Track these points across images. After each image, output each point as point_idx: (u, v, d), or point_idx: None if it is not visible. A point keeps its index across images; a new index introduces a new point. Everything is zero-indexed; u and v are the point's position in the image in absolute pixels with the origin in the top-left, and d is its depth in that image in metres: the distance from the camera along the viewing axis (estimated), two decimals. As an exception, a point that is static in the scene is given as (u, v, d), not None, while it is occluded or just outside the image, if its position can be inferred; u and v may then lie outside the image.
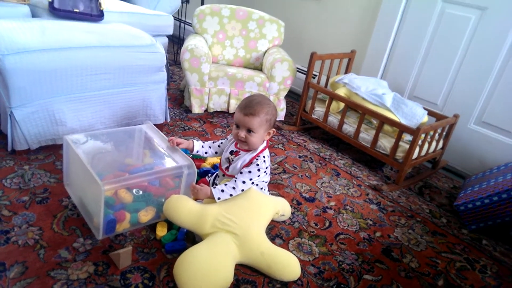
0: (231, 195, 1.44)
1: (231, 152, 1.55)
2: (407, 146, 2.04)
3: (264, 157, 1.50)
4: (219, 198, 1.42)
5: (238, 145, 1.54)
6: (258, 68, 2.83)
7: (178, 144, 1.55)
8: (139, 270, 1.25)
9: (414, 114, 2.16)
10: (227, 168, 1.56)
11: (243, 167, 1.48)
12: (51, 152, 1.81)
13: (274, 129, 1.54)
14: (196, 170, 1.46)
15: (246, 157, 1.50)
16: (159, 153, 1.60)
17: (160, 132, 1.64)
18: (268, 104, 1.48)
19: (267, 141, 1.55)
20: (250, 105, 1.44)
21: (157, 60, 1.90)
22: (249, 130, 1.45)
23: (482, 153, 2.33)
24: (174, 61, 3.71)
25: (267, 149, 1.54)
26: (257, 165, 1.47)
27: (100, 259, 1.26)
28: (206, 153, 1.65)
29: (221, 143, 1.66)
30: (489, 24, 2.19)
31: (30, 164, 1.70)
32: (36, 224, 1.37)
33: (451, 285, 1.44)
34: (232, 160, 1.54)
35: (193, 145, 1.61)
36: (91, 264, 1.24)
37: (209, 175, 1.76)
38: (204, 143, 1.66)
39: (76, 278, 1.18)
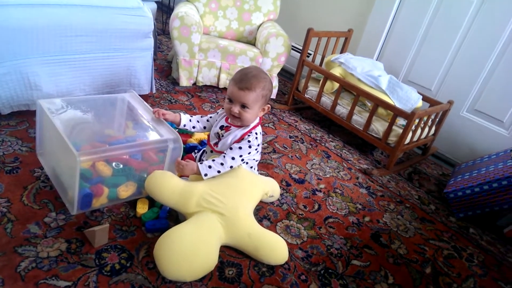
0: (219, 171, 1.36)
1: (221, 127, 1.46)
2: (400, 131, 1.99)
3: (256, 133, 1.42)
4: (205, 175, 1.34)
5: (229, 120, 1.45)
6: (251, 42, 2.71)
7: (163, 116, 1.45)
8: (116, 249, 1.17)
9: (409, 98, 2.10)
10: (216, 143, 1.47)
11: (233, 143, 1.40)
12: (24, 119, 1.68)
13: (269, 105, 1.45)
14: (182, 144, 1.36)
15: (237, 132, 1.41)
16: (142, 125, 1.49)
17: (145, 102, 1.53)
18: (264, 78, 1.38)
19: (260, 117, 1.46)
20: (246, 79, 1.34)
21: (144, 25, 1.76)
22: (244, 106, 1.35)
23: (473, 141, 2.31)
24: (162, 31, 3.54)
25: (259, 126, 1.45)
26: (249, 141, 1.39)
27: (74, 236, 1.17)
28: (193, 127, 1.55)
29: (210, 117, 1.56)
30: (490, 11, 2.12)
31: (0, 130, 1.57)
32: (4, 195, 1.26)
33: (438, 273, 1.42)
34: (222, 136, 1.45)
35: (180, 118, 1.50)
36: (63, 241, 1.15)
37: (196, 151, 1.67)
38: (192, 117, 1.56)
39: (46, 255, 1.09)
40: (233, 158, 1.37)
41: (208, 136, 1.54)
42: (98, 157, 1.23)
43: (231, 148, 1.39)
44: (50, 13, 1.50)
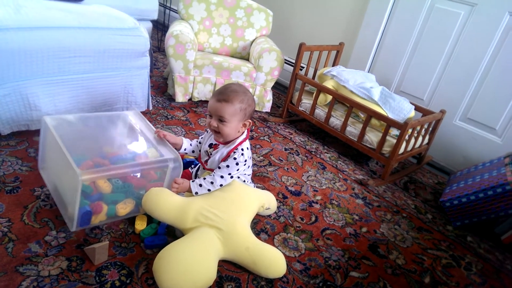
0: (209, 190, 1.38)
1: (210, 145, 1.48)
2: (394, 141, 2.02)
3: (242, 149, 1.42)
4: (196, 193, 1.36)
5: (216, 139, 1.47)
6: (245, 57, 2.75)
7: (164, 137, 1.47)
8: (116, 266, 1.18)
9: (402, 109, 2.13)
10: (206, 161, 1.49)
11: (221, 161, 1.42)
12: (24, 138, 1.70)
13: (250, 121, 1.44)
14: (182, 164, 1.38)
15: (223, 150, 1.43)
16: (143, 143, 1.51)
17: (147, 120, 1.56)
18: (244, 93, 1.39)
19: (247, 133, 1.47)
20: (224, 92, 1.36)
21: (140, 45, 1.80)
22: (221, 120, 1.36)
23: (467, 149, 2.34)
24: (158, 48, 3.59)
25: (247, 141, 1.46)
26: (235, 158, 1.39)
27: (74, 254, 1.18)
28: (193, 151, 1.59)
29: (201, 138, 1.59)
30: (478, 21, 2.18)
31: (0, 150, 1.59)
32: (5, 215, 1.27)
33: (437, 282, 1.43)
34: (211, 154, 1.47)
35: (182, 143, 1.54)
36: (64, 259, 1.16)
37: (192, 166, 1.69)
38: (192, 142, 1.59)
39: (47, 274, 1.09)
40: (221, 177, 1.39)
41: (200, 153, 1.56)
42: (99, 176, 1.25)
43: (219, 167, 1.41)
44: (49, 36, 1.54)
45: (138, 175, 1.38)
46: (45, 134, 1.37)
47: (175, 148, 1.51)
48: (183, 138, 1.56)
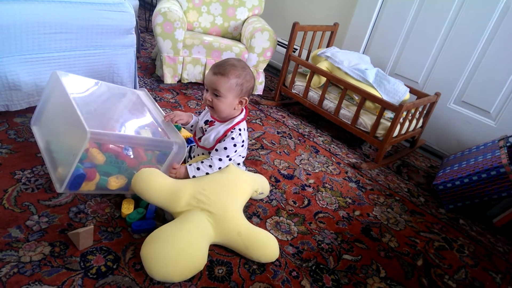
0: (207, 173, 1.33)
1: (206, 122, 1.43)
2: (388, 124, 1.99)
3: (240, 130, 1.36)
4: (194, 176, 1.31)
5: (212, 115, 1.42)
6: (237, 38, 2.67)
7: (173, 122, 1.44)
8: (102, 251, 1.13)
9: (397, 91, 2.09)
10: (200, 138, 1.44)
11: (217, 141, 1.36)
12: (4, 120, 1.62)
13: (246, 98, 1.37)
14: (186, 151, 1.34)
15: (220, 128, 1.37)
16: (152, 123, 1.44)
17: (156, 103, 1.51)
18: (243, 68, 1.32)
19: (245, 112, 1.41)
20: (222, 65, 1.30)
21: (126, 21, 1.71)
22: (216, 94, 1.30)
23: (460, 132, 2.32)
24: (145, 28, 3.48)
25: (244, 122, 1.40)
26: (232, 138, 1.33)
27: (57, 239, 1.13)
28: (192, 126, 1.54)
29: (199, 114, 1.53)
30: (475, 3, 2.13)
31: (-22, 132, 1.52)
32: (-17, 199, 1.21)
33: (430, 264, 1.42)
34: (206, 130, 1.41)
35: (192, 120, 1.51)
36: (46, 244, 1.10)
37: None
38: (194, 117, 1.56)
39: (28, 260, 1.04)
40: (220, 160, 1.33)
41: (195, 130, 1.50)
42: (107, 139, 1.19)
43: (216, 150, 1.35)
44: (26, 10, 1.44)
45: (131, 154, 1.32)
46: (53, 87, 1.31)
47: (184, 125, 1.51)
48: (193, 115, 1.53)
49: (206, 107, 1.48)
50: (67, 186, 1.16)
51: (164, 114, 1.45)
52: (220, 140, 1.35)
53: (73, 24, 1.57)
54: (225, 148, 1.33)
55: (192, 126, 1.52)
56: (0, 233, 1.10)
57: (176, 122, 1.44)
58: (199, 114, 1.55)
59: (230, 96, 1.30)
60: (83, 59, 1.68)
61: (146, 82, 2.38)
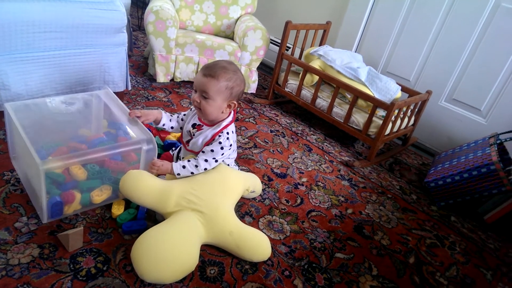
0: (192, 173, 1.32)
1: (194, 125, 1.41)
2: (380, 122, 2.00)
3: (227, 133, 1.34)
4: (178, 174, 1.30)
5: (199, 117, 1.39)
6: (229, 36, 2.66)
7: (139, 117, 1.38)
8: (92, 252, 1.12)
9: (388, 89, 2.10)
10: (187, 142, 1.42)
11: (204, 144, 1.34)
12: (-7, 120, 1.61)
13: (235, 102, 1.35)
14: (156, 145, 1.30)
15: (208, 133, 1.35)
16: (118, 123, 1.43)
17: (119, 100, 1.47)
18: (234, 71, 1.30)
19: (233, 115, 1.39)
20: (212, 67, 1.27)
21: (117, 20, 1.69)
22: (205, 96, 1.28)
23: (452, 130, 2.33)
24: (138, 27, 3.46)
25: (232, 125, 1.38)
26: (220, 143, 1.32)
27: (47, 241, 1.12)
28: (172, 127, 1.49)
29: (184, 115, 1.50)
30: (464, 2, 2.15)
31: (-34, 133, 1.50)
32: (-29, 201, 1.19)
33: (422, 262, 1.43)
34: (193, 135, 1.39)
35: (162, 117, 1.44)
36: (35, 246, 1.09)
37: (173, 148, 1.63)
38: (172, 116, 1.50)
39: (17, 262, 1.03)
40: (206, 160, 1.32)
41: (181, 133, 1.49)
42: (64, 164, 1.15)
43: (203, 151, 1.34)
44: (15, 8, 1.42)
45: (120, 158, 1.30)
46: (9, 122, 1.26)
47: (155, 123, 1.45)
48: (163, 112, 1.46)
49: (192, 109, 1.46)
50: (48, 216, 1.15)
51: (129, 111, 1.40)
52: (208, 144, 1.34)
53: (63, 23, 1.55)
54: (212, 151, 1.32)
55: (164, 124, 1.46)
56: (-11, 235, 1.09)
57: (143, 122, 1.39)
58: (177, 116, 1.52)
59: (219, 99, 1.28)
60: (74, 58, 1.66)
61: (138, 80, 2.36)
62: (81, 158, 1.16)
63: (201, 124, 1.39)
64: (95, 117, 1.53)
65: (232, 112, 1.39)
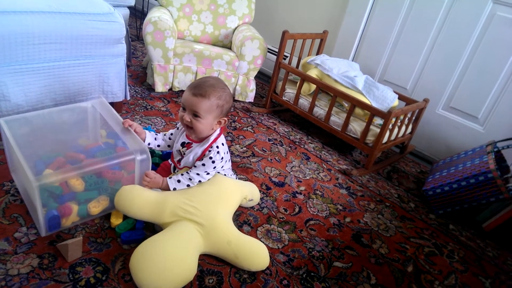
0: (188, 185, 1.33)
1: (183, 144, 1.41)
2: (378, 130, 2.01)
3: (217, 147, 1.35)
4: (174, 189, 1.31)
5: (187, 134, 1.40)
6: (227, 46, 2.69)
7: (131, 127, 1.38)
8: (91, 262, 1.12)
9: (385, 98, 2.12)
10: (179, 161, 1.42)
11: (196, 160, 1.35)
12: (-8, 131, 1.61)
13: (225, 119, 1.36)
14: (150, 155, 1.31)
15: (197, 149, 1.36)
16: (115, 133, 1.43)
17: (113, 109, 1.48)
18: (222, 89, 1.31)
19: (221, 129, 1.40)
20: (202, 86, 1.27)
21: (116, 31, 1.71)
22: (196, 115, 1.28)
23: (449, 138, 2.35)
24: (136, 37, 3.49)
25: (221, 137, 1.39)
26: (210, 157, 1.33)
27: (46, 251, 1.12)
28: (158, 146, 1.50)
29: (171, 134, 1.51)
30: (461, 9, 2.17)
31: (-34, 143, 1.51)
32: (-30, 211, 1.20)
33: (420, 271, 1.43)
34: (184, 153, 1.40)
35: (145, 136, 1.44)
36: (35, 256, 1.10)
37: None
38: (157, 134, 1.51)
39: (16, 273, 1.03)
40: (198, 174, 1.33)
41: (172, 152, 1.48)
42: (59, 179, 1.15)
43: (195, 166, 1.35)
44: (15, 21, 1.44)
45: (118, 168, 1.30)
46: (5, 137, 1.26)
47: None
48: (147, 132, 1.46)
49: (179, 127, 1.46)
50: (47, 229, 1.16)
51: (122, 120, 1.41)
52: (199, 159, 1.35)
53: (63, 35, 1.57)
54: (203, 165, 1.33)
55: (149, 144, 1.46)
56: (-12, 246, 1.09)
57: (135, 130, 1.39)
58: (164, 135, 1.52)
59: (210, 117, 1.29)
60: (73, 69, 1.68)
61: (137, 90, 2.38)
62: (76, 172, 1.16)
63: (190, 141, 1.39)
64: (91, 127, 1.54)
65: (220, 128, 1.39)
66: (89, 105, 1.50)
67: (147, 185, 1.30)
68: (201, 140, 1.37)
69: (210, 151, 1.34)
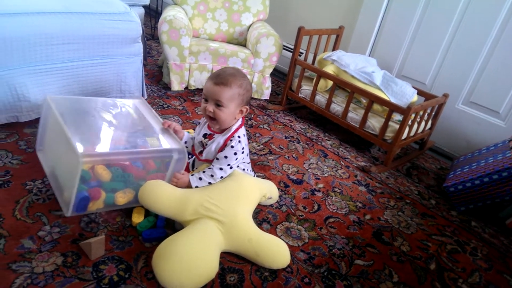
0: (209, 183, 1.33)
1: (205, 135, 1.42)
2: (397, 126, 1.97)
3: (239, 137, 1.36)
4: (196, 187, 1.32)
5: (211, 126, 1.41)
6: (242, 43, 2.68)
7: (171, 127, 1.42)
8: (114, 260, 1.13)
9: (404, 93, 2.08)
10: (200, 152, 1.43)
11: (218, 151, 1.36)
12: (14, 131, 1.64)
13: (247, 107, 1.38)
14: (187, 156, 1.33)
15: (219, 139, 1.37)
16: (150, 132, 1.45)
17: (153, 110, 1.51)
18: (243, 77, 1.33)
19: (242, 119, 1.41)
20: (222, 75, 1.29)
21: (132, 30, 1.72)
22: (218, 104, 1.30)
23: (469, 133, 2.30)
24: (151, 36, 3.51)
25: (242, 128, 1.40)
26: (232, 147, 1.34)
27: (69, 249, 1.13)
28: (185, 142, 1.52)
29: (194, 131, 1.54)
30: (480, 3, 2.12)
31: (-11, 143, 1.53)
32: (-4, 210, 1.21)
33: (443, 268, 1.40)
34: (206, 144, 1.40)
35: (183, 135, 1.47)
36: (59, 255, 1.11)
37: (189, 156, 1.63)
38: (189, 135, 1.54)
39: (41, 271, 1.05)
40: (221, 169, 1.33)
41: (193, 145, 1.50)
42: (101, 160, 1.19)
43: (217, 158, 1.35)
44: (34, 22, 1.46)
45: (140, 165, 1.32)
46: (47, 114, 1.31)
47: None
48: (185, 132, 1.50)
49: (201, 121, 1.48)
50: (73, 209, 1.17)
51: (162, 121, 1.44)
52: (221, 150, 1.36)
53: (80, 35, 1.59)
54: (226, 157, 1.33)
55: (186, 142, 1.49)
56: (13, 244, 1.11)
57: (175, 132, 1.42)
58: (195, 126, 1.54)
59: (232, 105, 1.31)
60: (91, 69, 1.69)
61: (153, 89, 2.39)
62: (117, 156, 1.22)
63: (212, 133, 1.41)
64: (127, 123, 1.55)
65: (241, 117, 1.41)
66: (127, 101, 1.54)
67: (175, 185, 1.31)
68: (223, 131, 1.38)
69: (232, 140, 1.35)
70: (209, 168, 1.35)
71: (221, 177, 1.34)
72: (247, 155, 1.46)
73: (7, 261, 1.05)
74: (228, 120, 1.34)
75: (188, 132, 1.54)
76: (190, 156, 1.63)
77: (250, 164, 1.51)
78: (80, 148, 1.11)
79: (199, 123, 1.50)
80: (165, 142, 1.35)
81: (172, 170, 1.33)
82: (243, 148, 1.37)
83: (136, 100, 1.56)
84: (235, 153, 1.34)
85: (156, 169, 1.36)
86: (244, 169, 1.45)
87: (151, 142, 1.40)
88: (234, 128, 1.37)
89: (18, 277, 1.02)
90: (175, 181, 1.31)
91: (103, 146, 1.35)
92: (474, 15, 2.15)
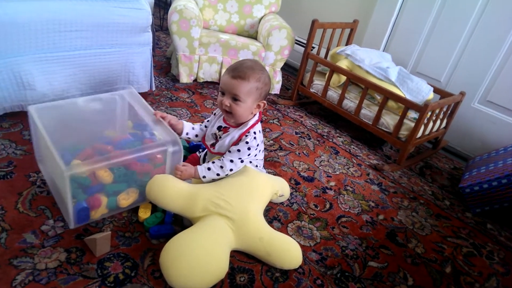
0: (218, 174, 1.28)
1: (219, 128, 1.36)
2: (411, 124, 1.91)
3: (254, 133, 1.30)
4: (204, 177, 1.26)
5: (225, 119, 1.35)
6: (253, 36, 2.62)
7: (165, 119, 1.35)
8: (120, 257, 1.09)
9: (420, 90, 2.01)
10: (212, 145, 1.37)
11: (231, 145, 1.30)
12: (18, 120, 1.60)
13: (265, 102, 1.32)
14: (182, 147, 1.26)
15: (234, 133, 1.31)
16: (143, 124, 1.39)
17: (143, 100, 1.43)
18: (261, 71, 1.27)
19: (259, 114, 1.35)
20: (240, 68, 1.23)
21: (142, 19, 1.67)
22: (235, 99, 1.24)
23: (485, 133, 2.23)
24: (160, 27, 3.45)
25: (259, 124, 1.34)
26: (247, 142, 1.28)
27: (73, 245, 1.09)
28: (196, 136, 1.45)
29: (208, 121, 1.46)
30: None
31: (-7, 133, 1.49)
32: (-2, 202, 1.17)
33: (459, 272, 1.35)
34: (220, 137, 1.35)
35: (183, 126, 1.40)
36: (62, 250, 1.07)
37: (200, 150, 1.59)
38: (194, 125, 1.46)
39: (44, 267, 1.00)
40: (231, 161, 1.28)
41: (204, 136, 1.44)
42: (90, 169, 1.11)
43: (229, 151, 1.30)
44: (41, 7, 1.41)
45: (146, 160, 1.26)
46: (33, 125, 1.23)
47: (176, 132, 1.40)
48: (184, 121, 1.43)
49: (217, 112, 1.42)
50: (75, 221, 1.12)
51: (153, 111, 1.37)
52: (235, 144, 1.30)
53: (88, 22, 1.54)
54: (239, 150, 1.28)
55: (187, 133, 1.43)
56: (15, 239, 1.07)
57: (168, 122, 1.35)
58: (203, 120, 1.48)
59: (249, 100, 1.25)
60: (98, 58, 1.65)
61: (161, 81, 2.34)
62: (107, 162, 1.13)
63: (227, 126, 1.35)
64: (119, 118, 1.50)
65: (258, 112, 1.35)
66: (118, 95, 1.46)
67: (180, 178, 1.26)
68: (239, 125, 1.33)
69: (247, 135, 1.29)
70: (219, 160, 1.29)
71: (231, 169, 1.29)
72: (261, 152, 1.41)
73: (9, 256, 1.01)
74: (244, 115, 1.28)
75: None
76: (201, 150, 1.59)
77: (263, 161, 1.46)
78: (62, 162, 1.03)
79: (214, 114, 1.44)
80: (158, 135, 1.28)
81: (169, 163, 1.27)
82: (257, 145, 1.31)
83: (125, 91, 1.47)
84: (249, 148, 1.29)
85: (163, 162, 1.30)
86: (257, 166, 1.40)
87: (157, 134, 1.34)
88: (250, 123, 1.31)
89: (19, 273, 0.98)
90: (179, 173, 1.26)
91: (103, 147, 1.31)
92: (493, 12, 2.07)
